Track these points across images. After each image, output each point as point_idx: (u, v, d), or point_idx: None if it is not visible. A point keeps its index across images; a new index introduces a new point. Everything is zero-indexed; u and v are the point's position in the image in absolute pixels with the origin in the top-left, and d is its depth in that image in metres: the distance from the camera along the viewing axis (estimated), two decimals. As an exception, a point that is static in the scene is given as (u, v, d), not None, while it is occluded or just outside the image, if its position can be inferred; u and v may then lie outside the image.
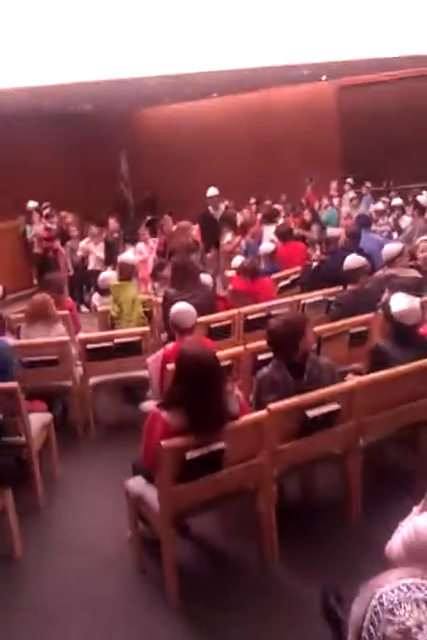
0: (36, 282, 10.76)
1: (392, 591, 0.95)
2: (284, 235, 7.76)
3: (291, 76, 13.05)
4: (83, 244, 10.02)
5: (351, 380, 3.67)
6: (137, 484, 3.42)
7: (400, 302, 3.77)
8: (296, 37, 9.81)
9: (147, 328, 5.34)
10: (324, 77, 14.38)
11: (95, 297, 6.80)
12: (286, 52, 10.24)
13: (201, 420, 2.98)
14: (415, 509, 2.17)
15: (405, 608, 0.92)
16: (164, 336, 5.53)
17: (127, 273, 6.00)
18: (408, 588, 0.95)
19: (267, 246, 7.57)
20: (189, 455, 2.98)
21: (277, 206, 11.49)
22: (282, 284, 6.67)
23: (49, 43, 8.68)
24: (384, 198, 11.04)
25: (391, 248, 5.72)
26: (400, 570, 1.01)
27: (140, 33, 8.91)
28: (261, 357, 4.23)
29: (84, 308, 9.39)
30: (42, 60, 9.19)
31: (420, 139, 13.90)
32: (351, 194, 11.77)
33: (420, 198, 8.89)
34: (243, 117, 15.58)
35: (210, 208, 8.79)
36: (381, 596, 0.95)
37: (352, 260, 5.34)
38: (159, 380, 4.16)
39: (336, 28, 9.50)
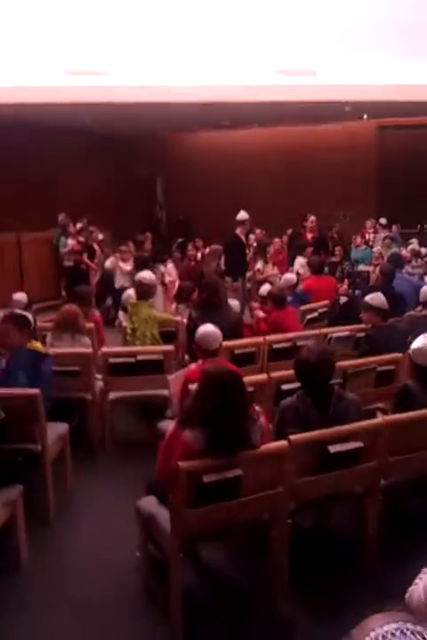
0: (64, 293, 10.84)
1: (384, 637, 0.88)
2: (316, 267, 7.68)
3: (332, 113, 13.09)
4: (107, 263, 10.15)
5: (378, 418, 3.56)
6: (149, 503, 3.35)
7: (417, 342, 3.72)
8: (339, 75, 9.86)
9: (170, 347, 5.29)
10: (365, 116, 14.41)
11: (121, 314, 6.79)
12: (328, 89, 10.29)
13: (219, 440, 2.90)
14: (439, 556, 2.05)
15: None
16: (187, 357, 5.48)
17: (143, 291, 5.86)
18: (403, 634, 0.87)
19: (289, 277, 7.48)
20: (207, 479, 2.90)
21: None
22: (310, 316, 6.58)
23: (93, 62, 8.85)
24: (412, 240, 10.87)
25: None
26: (388, 614, 0.93)
27: (184, 60, 9.04)
28: (284, 387, 4.14)
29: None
30: (85, 79, 9.38)
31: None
32: (384, 234, 11.67)
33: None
34: (281, 150, 15.67)
35: (238, 232, 8.43)
36: None
37: (375, 298, 5.26)
38: (180, 399, 4.11)
39: (380, 66, 9.52)
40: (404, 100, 10.71)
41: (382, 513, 3.51)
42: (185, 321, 5.75)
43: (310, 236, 11.05)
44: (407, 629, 0.90)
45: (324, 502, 3.58)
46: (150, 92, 10.17)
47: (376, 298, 5.29)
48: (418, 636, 0.89)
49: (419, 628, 0.90)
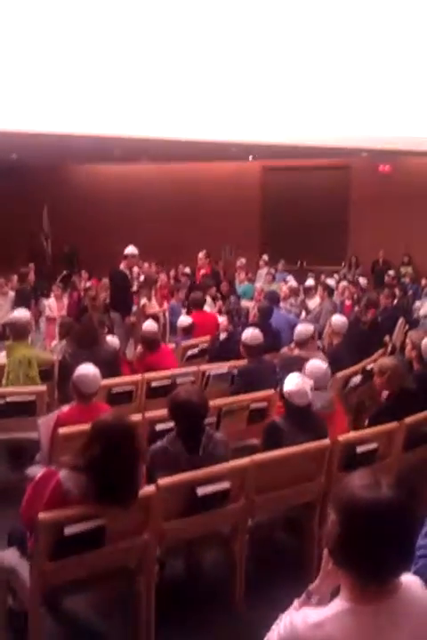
0: None
1: None
2: (196, 303, 7.77)
3: (219, 153, 13.49)
4: None
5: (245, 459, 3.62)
6: (10, 556, 3.19)
7: (291, 382, 3.82)
8: (228, 117, 10.20)
9: (43, 388, 5.09)
10: (251, 157, 14.96)
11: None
12: (216, 130, 10.61)
13: (109, 489, 2.84)
14: (296, 603, 2.09)
15: None
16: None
17: (17, 332, 5.48)
18: None
19: (184, 320, 7.44)
20: (68, 531, 2.81)
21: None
22: (190, 353, 6.63)
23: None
24: (289, 277, 11.30)
25: (304, 329, 5.77)
26: None
27: (75, 91, 8.96)
28: (159, 428, 4.12)
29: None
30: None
31: (334, 224, 14.70)
32: (266, 270, 12.08)
33: (329, 281, 9.29)
34: (169, 186, 15.87)
35: (122, 266, 8.24)
36: None
37: (251, 336, 5.39)
38: (49, 443, 3.97)
39: (266, 113, 9.96)
40: (287, 143, 11.27)
41: (249, 553, 3.56)
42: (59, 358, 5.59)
43: (201, 272, 11.22)
44: None
45: (193, 545, 3.59)
46: (38, 122, 9.95)
47: (251, 335, 5.42)
48: None
49: None
